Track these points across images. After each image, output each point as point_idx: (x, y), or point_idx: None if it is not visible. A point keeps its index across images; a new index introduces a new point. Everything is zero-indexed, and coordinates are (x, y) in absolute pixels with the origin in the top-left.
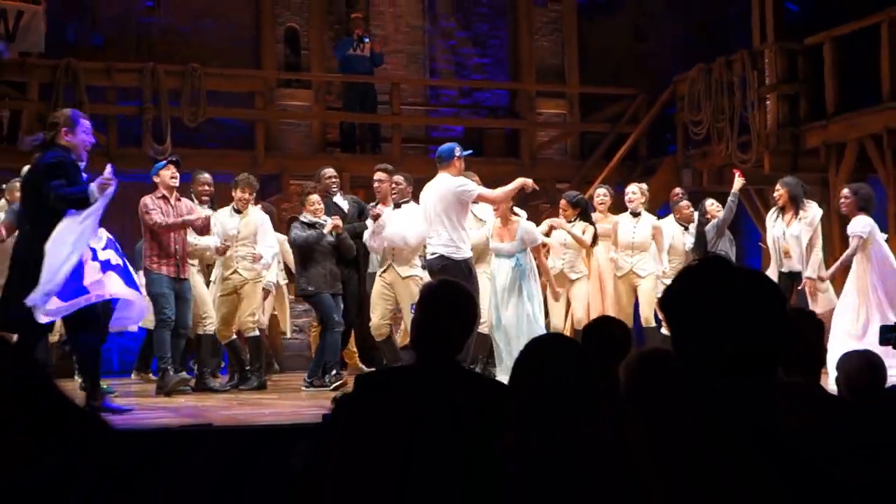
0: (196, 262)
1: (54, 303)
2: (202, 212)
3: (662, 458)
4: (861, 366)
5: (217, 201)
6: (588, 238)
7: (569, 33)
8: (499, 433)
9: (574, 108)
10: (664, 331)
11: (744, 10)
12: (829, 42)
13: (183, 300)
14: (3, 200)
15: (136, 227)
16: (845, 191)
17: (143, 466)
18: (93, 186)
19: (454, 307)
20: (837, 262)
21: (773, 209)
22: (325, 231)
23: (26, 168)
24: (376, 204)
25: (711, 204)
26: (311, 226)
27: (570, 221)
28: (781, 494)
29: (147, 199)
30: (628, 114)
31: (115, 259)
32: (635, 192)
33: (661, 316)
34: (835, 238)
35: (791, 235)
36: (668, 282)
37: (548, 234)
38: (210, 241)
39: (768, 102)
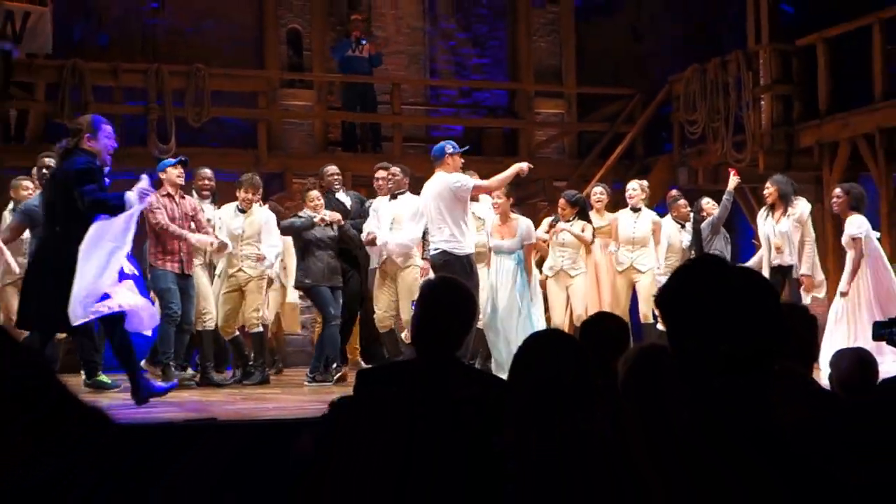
0: (199, 258)
1: (81, 308)
2: (207, 210)
3: (660, 455)
4: (853, 363)
5: (219, 197)
6: (588, 235)
7: (566, 34)
8: (499, 430)
9: (572, 107)
10: (660, 327)
11: (739, 12)
12: (822, 43)
13: (187, 296)
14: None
15: (141, 225)
16: (837, 190)
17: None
18: (131, 194)
19: (454, 305)
20: (848, 272)
21: (764, 207)
22: (315, 220)
23: (34, 168)
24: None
25: (707, 202)
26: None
27: (568, 220)
28: (778, 492)
29: (152, 198)
30: (625, 113)
31: (129, 267)
32: (636, 188)
33: (657, 313)
34: (828, 236)
35: (780, 232)
36: (664, 278)
37: (548, 232)
38: (206, 239)
39: (763, 102)
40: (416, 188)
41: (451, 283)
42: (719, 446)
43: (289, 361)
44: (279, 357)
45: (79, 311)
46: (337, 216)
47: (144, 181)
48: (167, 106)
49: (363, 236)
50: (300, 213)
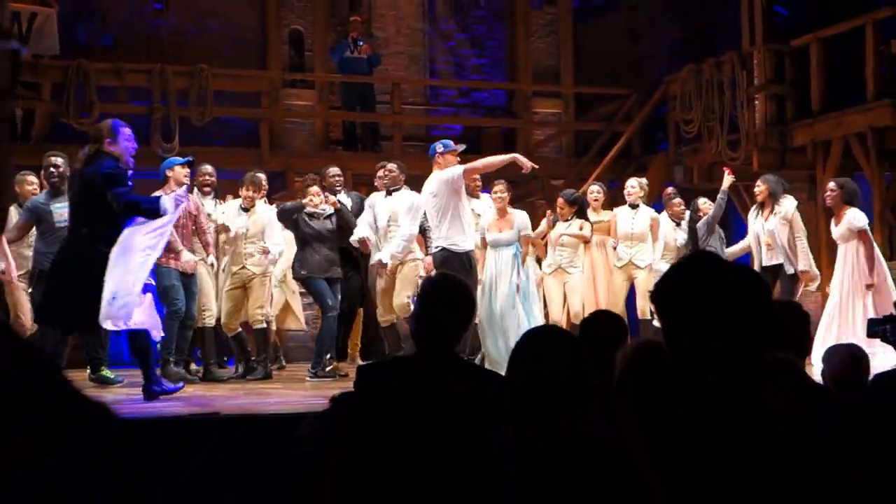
0: (199, 254)
1: (110, 311)
2: (208, 206)
3: (657, 453)
4: (845, 359)
5: (221, 194)
6: (587, 232)
7: (564, 35)
8: (497, 424)
9: (569, 107)
10: (657, 323)
11: (734, 13)
12: (815, 44)
13: (189, 293)
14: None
15: None
16: (831, 184)
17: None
18: (166, 199)
19: (454, 302)
20: (865, 263)
21: (755, 206)
22: (304, 202)
23: (43, 167)
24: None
25: (704, 202)
26: (309, 216)
27: (567, 219)
28: (775, 488)
29: (186, 205)
30: (622, 113)
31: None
32: (634, 185)
33: (652, 308)
34: (821, 233)
35: (768, 230)
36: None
37: (544, 236)
38: (191, 262)
39: (757, 102)
40: (416, 187)
41: (451, 281)
42: (715, 443)
43: (290, 357)
44: (281, 353)
45: (108, 313)
46: (333, 199)
47: (182, 189)
48: (171, 105)
49: (354, 239)
50: (305, 209)
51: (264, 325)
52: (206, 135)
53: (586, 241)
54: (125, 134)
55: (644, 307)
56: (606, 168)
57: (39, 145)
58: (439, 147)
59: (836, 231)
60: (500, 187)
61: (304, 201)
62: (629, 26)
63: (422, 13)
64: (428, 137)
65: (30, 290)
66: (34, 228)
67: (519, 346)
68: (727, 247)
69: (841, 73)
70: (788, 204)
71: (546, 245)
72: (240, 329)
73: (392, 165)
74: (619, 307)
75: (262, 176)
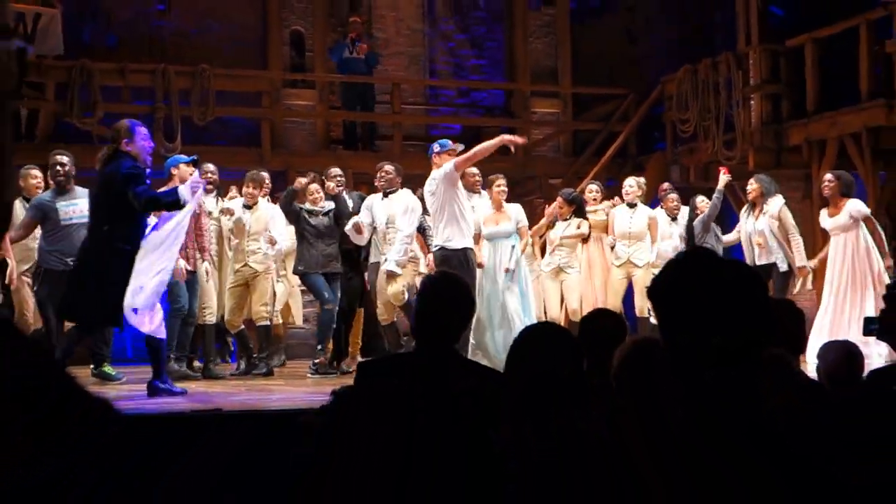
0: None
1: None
2: (209, 203)
3: (657, 452)
4: (840, 355)
5: (223, 192)
6: (584, 230)
7: (562, 36)
8: (496, 421)
9: (567, 107)
10: (655, 321)
11: (729, 14)
12: (810, 44)
13: (192, 290)
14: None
15: None
16: (828, 175)
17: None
18: (182, 189)
19: (454, 300)
20: (880, 244)
21: (746, 206)
22: (295, 186)
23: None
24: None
25: (702, 200)
26: (310, 213)
27: (566, 218)
28: (774, 486)
29: (202, 192)
30: (619, 113)
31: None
32: (632, 185)
33: (650, 307)
34: (818, 232)
35: (758, 230)
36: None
37: (542, 234)
38: (180, 272)
39: (752, 102)
40: (416, 186)
41: (451, 279)
42: (714, 441)
43: (292, 354)
44: (283, 349)
45: (131, 304)
46: (332, 184)
47: (196, 175)
48: (173, 105)
49: (348, 228)
50: (302, 206)
51: (268, 322)
52: (207, 134)
53: (584, 241)
54: (142, 133)
55: (642, 306)
56: (604, 167)
57: (43, 144)
58: (436, 147)
59: (833, 222)
60: (501, 181)
61: (310, 208)
62: (626, 27)
63: (421, 14)
64: (427, 137)
65: (35, 289)
66: (39, 227)
67: (517, 344)
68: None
69: (835, 74)
70: (775, 204)
71: (544, 243)
72: (242, 326)
73: (389, 167)
74: (617, 306)
75: (265, 175)
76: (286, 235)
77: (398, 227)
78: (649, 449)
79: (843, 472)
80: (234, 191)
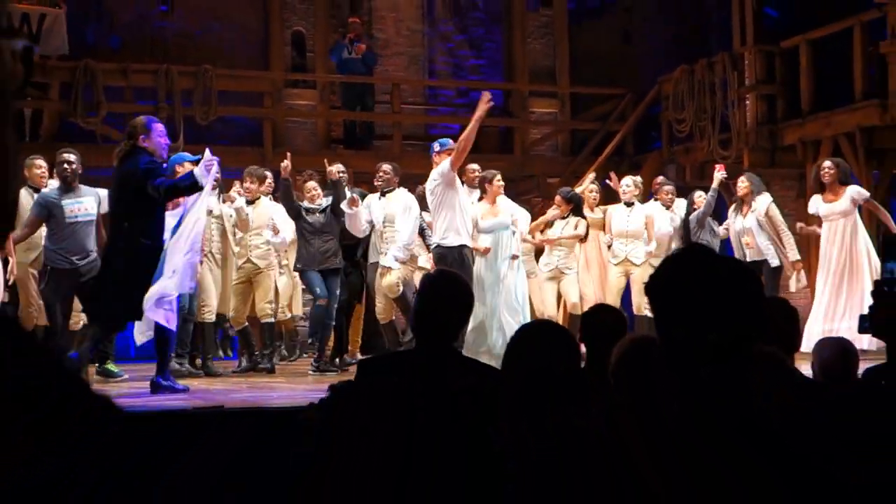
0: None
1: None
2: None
3: (655, 449)
4: (835, 352)
5: (225, 190)
6: (582, 230)
7: (560, 37)
8: (494, 419)
9: (565, 107)
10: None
11: (725, 15)
12: (804, 45)
13: None
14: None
15: None
16: (827, 163)
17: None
18: (197, 170)
19: (453, 298)
20: (886, 221)
21: (734, 205)
22: (282, 167)
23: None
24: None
25: (699, 196)
26: (308, 210)
27: (564, 216)
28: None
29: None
30: (616, 112)
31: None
32: (629, 184)
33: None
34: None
35: (746, 228)
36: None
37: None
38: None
39: (748, 102)
40: (414, 185)
41: (450, 277)
42: (710, 437)
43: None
44: (283, 343)
45: (160, 291)
46: (332, 169)
47: (207, 153)
48: (176, 105)
49: (343, 204)
50: (301, 203)
51: (272, 318)
52: (210, 134)
53: (582, 240)
54: (158, 130)
55: (640, 303)
56: (601, 166)
57: (47, 144)
58: (437, 146)
59: (830, 207)
60: (500, 176)
61: (308, 206)
62: (623, 28)
63: (421, 15)
64: (427, 137)
65: (41, 287)
66: (45, 225)
67: (514, 341)
68: (718, 241)
69: (830, 74)
70: (762, 201)
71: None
72: (246, 323)
73: (386, 167)
74: (615, 303)
75: (266, 172)
76: (289, 229)
77: (396, 227)
78: (647, 445)
79: (838, 469)
80: (237, 186)
